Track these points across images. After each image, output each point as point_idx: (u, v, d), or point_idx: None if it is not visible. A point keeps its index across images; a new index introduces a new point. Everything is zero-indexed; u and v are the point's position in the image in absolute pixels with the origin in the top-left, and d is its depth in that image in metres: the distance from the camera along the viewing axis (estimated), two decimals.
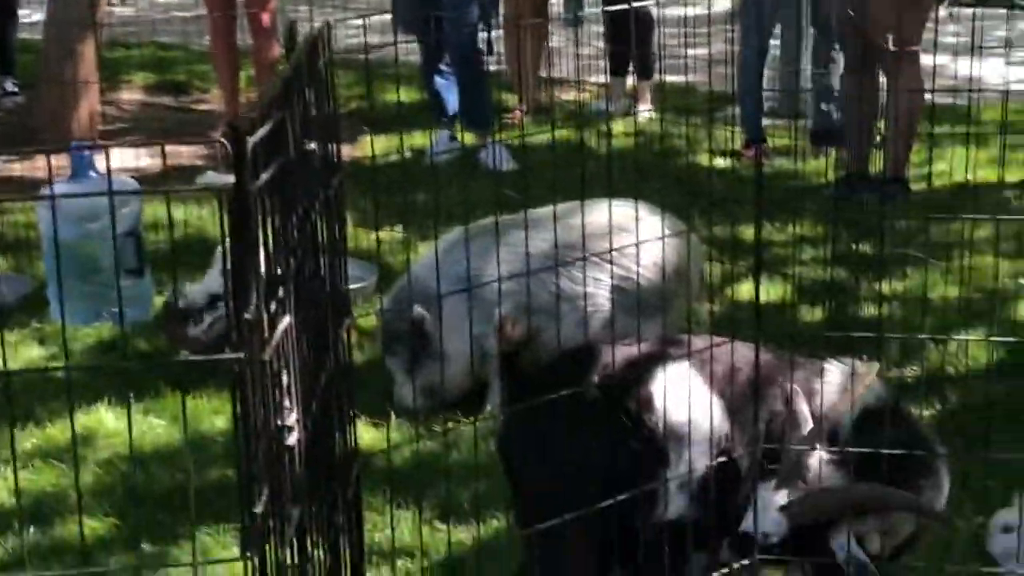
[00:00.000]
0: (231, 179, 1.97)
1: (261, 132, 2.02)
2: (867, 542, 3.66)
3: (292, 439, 2.13)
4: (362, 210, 7.78)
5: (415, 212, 7.41)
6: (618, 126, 9.37)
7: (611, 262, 5.49)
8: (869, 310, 5.85)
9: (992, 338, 5.58)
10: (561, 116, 9.46)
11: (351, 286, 6.71)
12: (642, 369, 3.81)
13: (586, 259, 3.34)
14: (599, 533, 3.68)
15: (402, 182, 7.81)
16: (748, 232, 6.43)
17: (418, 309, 5.63)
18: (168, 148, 8.99)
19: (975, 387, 5.78)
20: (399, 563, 4.67)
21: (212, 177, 8.31)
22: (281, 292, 2.19)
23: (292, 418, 2.15)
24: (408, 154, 8.51)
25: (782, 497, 3.62)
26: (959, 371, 5.96)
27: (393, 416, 5.80)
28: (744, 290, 6.66)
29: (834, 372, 3.87)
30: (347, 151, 8.70)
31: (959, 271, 6.19)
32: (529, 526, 3.74)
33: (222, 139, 1.98)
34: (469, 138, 9.08)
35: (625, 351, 3.91)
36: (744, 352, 3.86)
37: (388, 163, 8.41)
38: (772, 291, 6.92)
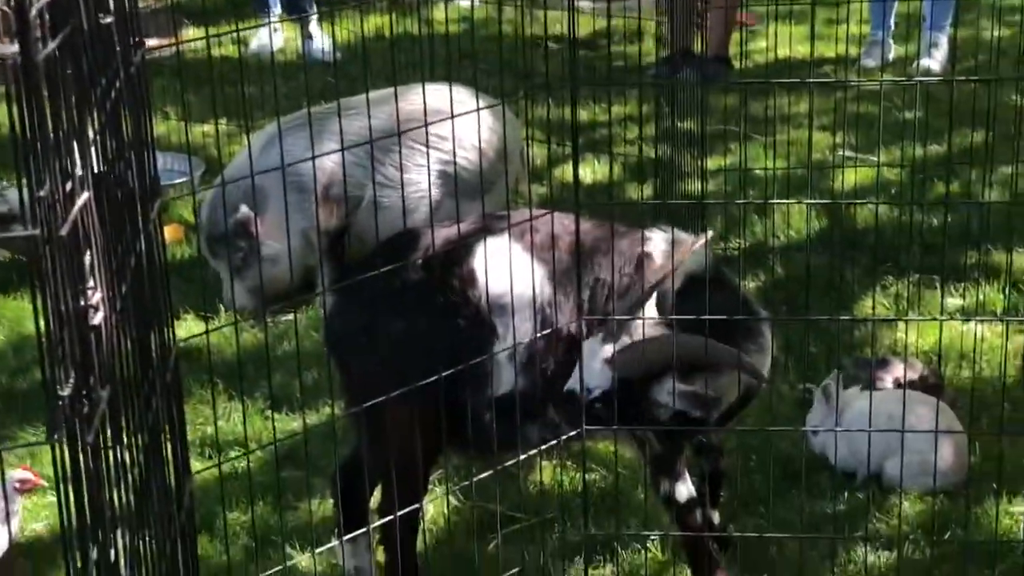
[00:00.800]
0: (15, 48, 1.86)
1: None
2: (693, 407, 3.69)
3: (97, 319, 2.05)
4: (186, 103, 7.60)
5: (242, 105, 7.25)
6: (441, 12, 9.25)
7: (427, 144, 5.42)
8: (692, 185, 5.88)
9: (806, 201, 5.64)
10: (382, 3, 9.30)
11: (176, 181, 6.63)
12: (463, 246, 3.77)
13: (401, 135, 3.27)
14: (429, 414, 3.64)
15: (225, 74, 7.64)
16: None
17: (244, 209, 5.51)
18: None
19: (796, 257, 5.87)
20: (232, 453, 4.61)
21: None
22: (79, 169, 2.10)
23: (96, 297, 2.07)
24: (230, 45, 8.31)
25: (607, 351, 3.62)
26: (781, 241, 6.04)
27: (222, 310, 5.71)
28: (570, 171, 6.64)
29: (657, 241, 3.87)
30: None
31: (775, 144, 6.24)
32: (361, 416, 3.68)
33: (4, 8, 1.87)
34: (291, 28, 8.90)
35: (447, 231, 3.87)
36: (566, 222, 3.83)
37: (212, 55, 8.20)
38: (598, 171, 6.93)
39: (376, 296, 3.73)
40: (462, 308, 3.73)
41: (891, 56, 8.36)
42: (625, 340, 3.62)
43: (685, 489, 3.89)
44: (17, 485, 4.09)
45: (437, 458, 3.94)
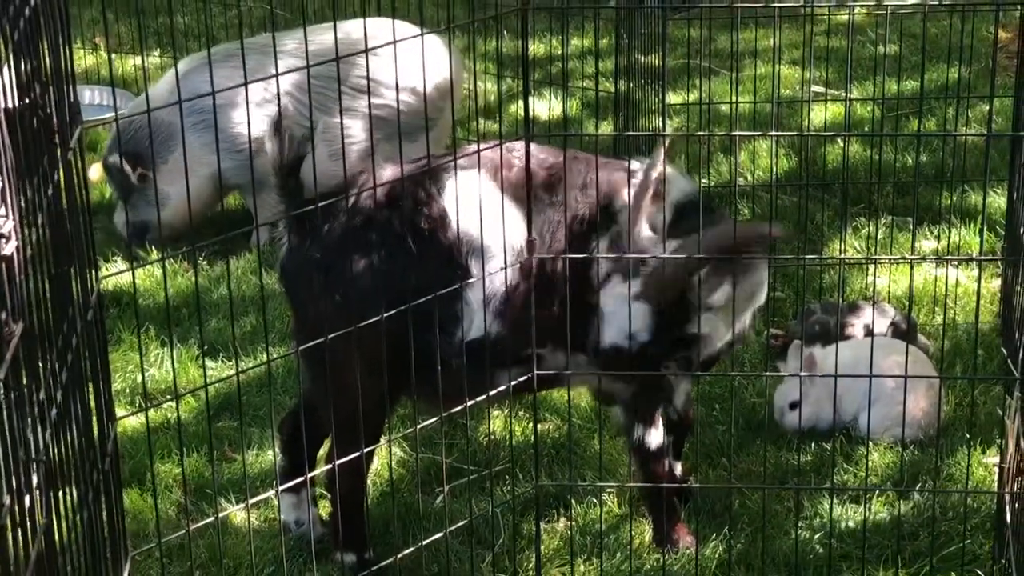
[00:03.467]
0: None
1: None
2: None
3: (8, 248, 2.04)
4: (116, 35, 7.56)
5: (171, 34, 7.22)
6: None
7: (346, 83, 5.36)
8: (654, 122, 5.87)
9: (772, 133, 5.65)
10: None
11: (106, 115, 6.58)
12: (432, 180, 3.75)
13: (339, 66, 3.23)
14: (386, 355, 3.58)
15: (159, 3, 7.61)
16: (534, 46, 6.34)
17: (115, 156, 5.51)
18: None
19: (763, 197, 5.88)
20: (170, 404, 4.60)
21: None
22: None
23: (8, 226, 2.06)
24: None
25: (632, 288, 3.69)
26: (747, 180, 6.05)
27: (153, 252, 5.69)
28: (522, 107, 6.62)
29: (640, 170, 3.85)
30: None
31: (738, 80, 6.23)
32: (313, 357, 3.64)
33: None
34: None
35: (406, 168, 3.78)
36: (541, 156, 3.81)
37: None
38: (554, 107, 6.91)
39: (337, 235, 3.69)
40: (431, 247, 3.71)
41: None
42: (642, 270, 3.71)
43: (657, 437, 3.91)
44: None
45: (395, 405, 3.93)
